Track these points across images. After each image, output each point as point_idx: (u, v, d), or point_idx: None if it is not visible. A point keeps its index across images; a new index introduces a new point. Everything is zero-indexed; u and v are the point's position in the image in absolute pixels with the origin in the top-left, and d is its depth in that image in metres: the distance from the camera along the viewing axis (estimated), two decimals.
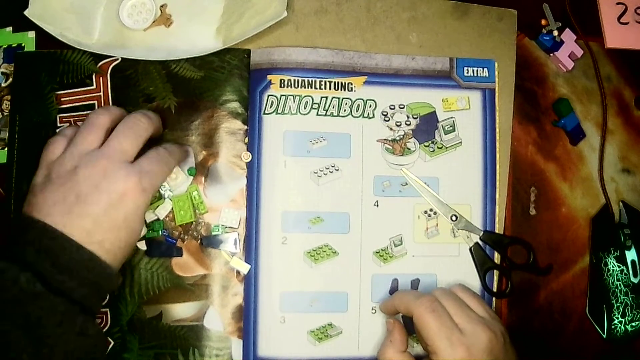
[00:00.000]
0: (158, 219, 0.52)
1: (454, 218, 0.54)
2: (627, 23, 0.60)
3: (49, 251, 0.41)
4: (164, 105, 0.54)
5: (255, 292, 0.52)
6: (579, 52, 0.58)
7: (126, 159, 0.46)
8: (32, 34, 0.56)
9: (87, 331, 0.41)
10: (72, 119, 0.54)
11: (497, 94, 0.56)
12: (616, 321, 0.56)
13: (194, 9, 0.55)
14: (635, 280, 0.57)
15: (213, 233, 0.53)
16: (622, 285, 0.57)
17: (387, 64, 0.56)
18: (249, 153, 0.53)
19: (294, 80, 0.54)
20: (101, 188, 0.44)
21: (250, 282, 0.52)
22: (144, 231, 0.52)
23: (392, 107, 0.55)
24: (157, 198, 0.52)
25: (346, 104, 0.54)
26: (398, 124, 0.55)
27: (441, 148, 0.55)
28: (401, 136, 0.55)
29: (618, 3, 0.61)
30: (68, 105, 0.54)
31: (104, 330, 0.51)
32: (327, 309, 0.53)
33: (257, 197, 0.53)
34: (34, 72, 0.54)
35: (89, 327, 0.42)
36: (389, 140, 0.55)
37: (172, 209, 0.52)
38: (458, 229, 0.55)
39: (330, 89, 0.54)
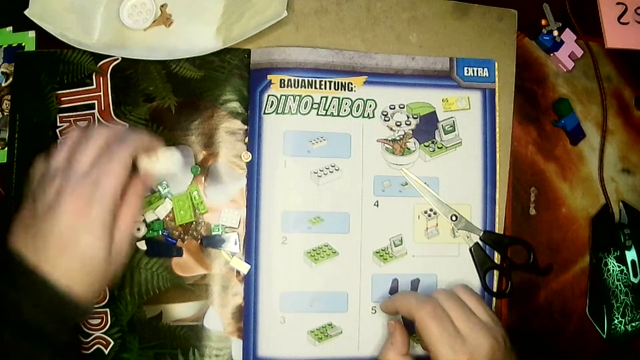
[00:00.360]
0: (158, 219, 0.52)
1: (454, 218, 0.54)
2: (627, 23, 0.60)
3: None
4: (164, 105, 0.54)
5: (255, 292, 0.52)
6: (579, 52, 0.58)
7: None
8: (32, 34, 0.56)
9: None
10: (72, 119, 0.54)
11: (497, 94, 0.56)
12: (616, 321, 0.56)
13: (194, 9, 0.55)
14: (635, 281, 0.57)
15: (213, 233, 0.53)
16: (622, 285, 0.57)
17: (387, 64, 0.56)
18: (249, 153, 0.53)
19: (294, 80, 0.54)
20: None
21: (250, 282, 0.52)
22: (143, 231, 0.52)
23: (392, 107, 0.55)
24: (158, 198, 0.52)
25: (346, 104, 0.54)
26: (398, 124, 0.55)
27: (441, 148, 0.55)
28: (401, 136, 0.55)
29: (618, 3, 0.61)
30: (68, 105, 0.54)
31: (104, 330, 0.51)
32: (327, 309, 0.53)
33: (257, 197, 0.53)
34: (34, 72, 0.54)
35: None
36: (389, 140, 0.55)
37: (172, 209, 0.52)
38: (458, 229, 0.55)
39: (330, 89, 0.54)
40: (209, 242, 0.52)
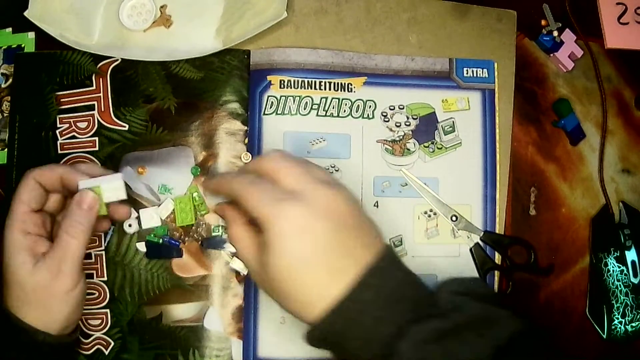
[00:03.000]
0: (161, 225, 0.52)
1: (454, 218, 0.54)
2: (627, 23, 0.60)
3: None
4: (164, 106, 0.54)
5: (255, 292, 0.52)
6: (579, 52, 0.58)
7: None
8: (32, 35, 0.56)
9: None
10: (72, 120, 0.54)
11: (496, 95, 0.56)
12: (616, 321, 0.56)
13: (194, 10, 0.55)
14: (635, 281, 0.57)
15: (213, 234, 0.53)
16: (622, 285, 0.57)
17: (387, 65, 0.56)
18: (248, 154, 0.53)
19: (294, 81, 0.54)
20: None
21: (250, 283, 0.52)
22: (135, 227, 0.52)
23: (391, 107, 0.55)
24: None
25: (346, 104, 0.54)
26: (398, 124, 0.55)
27: (441, 148, 0.55)
28: (401, 137, 0.55)
29: (618, 3, 0.61)
30: (68, 106, 0.54)
31: (104, 331, 0.51)
32: None
33: None
34: (34, 73, 0.54)
35: None
36: (389, 141, 0.55)
37: (174, 210, 0.52)
38: (458, 230, 0.55)
39: (330, 89, 0.54)
40: (210, 243, 0.52)
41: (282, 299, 0.40)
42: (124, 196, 0.45)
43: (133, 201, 0.53)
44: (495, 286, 0.55)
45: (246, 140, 0.54)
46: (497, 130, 0.56)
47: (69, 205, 0.44)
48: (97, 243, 0.52)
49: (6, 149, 0.54)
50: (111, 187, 0.44)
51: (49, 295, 0.43)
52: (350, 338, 0.38)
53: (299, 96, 0.54)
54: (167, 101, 0.54)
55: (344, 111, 0.54)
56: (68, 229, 0.43)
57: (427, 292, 0.42)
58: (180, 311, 0.52)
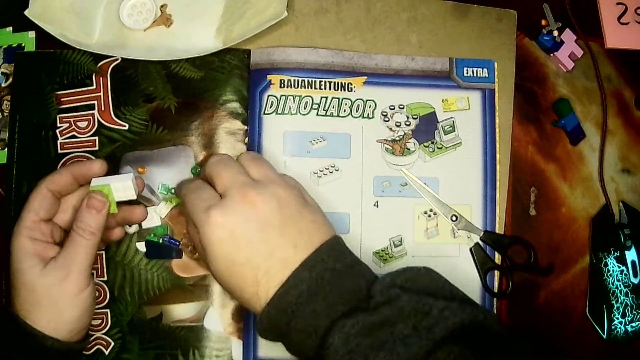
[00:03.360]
0: (161, 225, 0.52)
1: (454, 218, 0.54)
2: (627, 23, 0.60)
3: None
4: (164, 106, 0.54)
5: None
6: (579, 52, 0.58)
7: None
8: (32, 34, 0.56)
9: None
10: (72, 119, 0.54)
11: (496, 95, 0.56)
12: (616, 321, 0.56)
13: (194, 9, 0.55)
14: (635, 281, 0.57)
15: None
16: (622, 285, 0.57)
17: (387, 65, 0.56)
18: None
19: (294, 81, 0.54)
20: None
21: None
22: (135, 227, 0.52)
23: (391, 107, 0.55)
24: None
25: (346, 104, 0.54)
26: (398, 124, 0.55)
27: (441, 148, 0.55)
28: (401, 136, 0.55)
29: (618, 3, 0.61)
30: (68, 106, 0.54)
31: (104, 331, 0.51)
32: None
33: None
34: (34, 72, 0.54)
35: None
36: (389, 141, 0.55)
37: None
38: (458, 229, 0.55)
39: (330, 89, 0.54)
40: None
41: (230, 293, 0.45)
42: (133, 196, 0.46)
43: (133, 201, 0.53)
44: (495, 286, 0.55)
45: (246, 140, 0.54)
46: (497, 130, 0.56)
47: (79, 209, 0.45)
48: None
49: (6, 149, 0.54)
50: (121, 186, 0.45)
51: (59, 297, 0.43)
52: (292, 331, 0.40)
53: (299, 96, 0.54)
54: (167, 100, 0.54)
55: (344, 111, 0.54)
56: (78, 231, 0.44)
57: (367, 285, 0.41)
58: (180, 311, 0.52)
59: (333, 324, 0.38)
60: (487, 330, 0.39)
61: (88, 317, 0.46)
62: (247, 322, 0.52)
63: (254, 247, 0.41)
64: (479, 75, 0.56)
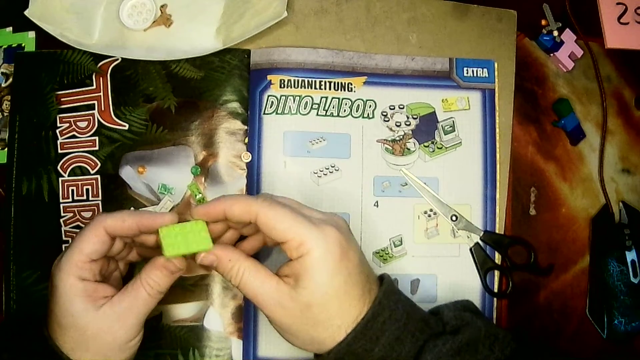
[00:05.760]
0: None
1: (454, 218, 0.54)
2: (627, 23, 0.60)
3: None
4: (164, 106, 0.54)
5: None
6: (579, 52, 0.58)
7: None
8: (32, 34, 0.56)
9: None
10: (72, 119, 0.54)
11: (496, 95, 0.57)
12: (616, 321, 0.56)
13: (194, 9, 0.55)
14: (635, 281, 0.57)
15: None
16: (622, 285, 0.57)
17: (387, 65, 0.56)
18: (249, 153, 0.53)
19: (294, 81, 0.54)
20: None
21: None
22: None
23: (391, 107, 0.55)
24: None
25: (346, 104, 0.54)
26: (398, 124, 0.55)
27: (441, 148, 0.55)
28: (401, 136, 0.55)
29: (618, 3, 0.61)
30: (68, 106, 0.54)
31: None
32: None
33: None
34: (34, 72, 0.54)
35: None
36: (389, 141, 0.55)
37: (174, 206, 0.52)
38: (458, 229, 0.55)
39: (330, 89, 0.54)
40: None
41: (309, 326, 0.41)
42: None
43: (133, 201, 0.53)
44: (495, 286, 0.55)
45: (246, 140, 0.54)
46: (497, 130, 0.56)
47: (153, 263, 0.43)
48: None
49: (6, 149, 0.54)
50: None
51: (109, 342, 0.42)
52: (371, 358, 0.40)
53: (299, 96, 0.54)
54: (167, 101, 0.54)
55: (344, 111, 0.54)
56: (145, 283, 0.42)
57: (429, 312, 0.45)
58: (180, 311, 0.52)
59: (420, 347, 0.41)
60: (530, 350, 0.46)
61: (131, 359, 0.45)
62: (247, 322, 0.52)
63: (359, 270, 0.41)
64: (479, 75, 0.56)
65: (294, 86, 0.54)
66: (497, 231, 0.55)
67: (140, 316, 0.42)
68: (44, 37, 0.54)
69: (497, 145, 0.56)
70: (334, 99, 0.54)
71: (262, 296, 0.41)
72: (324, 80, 0.54)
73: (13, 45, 0.56)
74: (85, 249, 0.42)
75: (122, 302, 0.42)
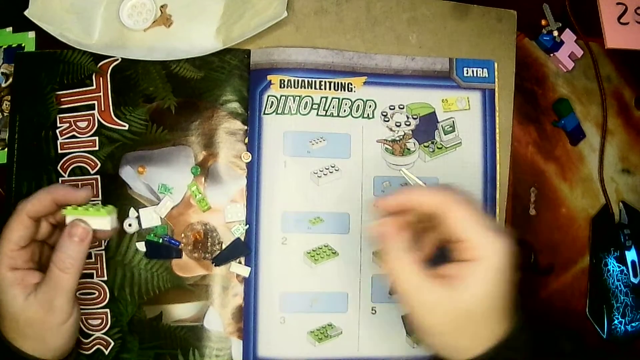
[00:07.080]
0: (162, 224, 0.52)
1: None
2: (627, 23, 0.60)
3: None
4: (164, 106, 0.54)
5: (255, 292, 0.52)
6: (579, 52, 0.58)
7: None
8: (32, 34, 0.56)
9: None
10: (72, 119, 0.54)
11: (496, 95, 0.56)
12: (616, 321, 0.56)
13: (194, 10, 0.55)
14: (635, 281, 0.57)
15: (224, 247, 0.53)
16: (622, 285, 0.57)
17: (387, 65, 0.56)
18: (249, 153, 0.53)
19: (294, 81, 0.54)
20: None
21: (250, 283, 0.52)
22: (135, 227, 0.52)
23: (391, 107, 0.55)
24: (97, 210, 0.47)
25: (346, 104, 0.54)
26: (398, 124, 0.55)
27: (441, 148, 0.55)
28: (401, 136, 0.55)
29: (618, 3, 0.61)
30: (68, 106, 0.54)
31: (104, 331, 0.51)
32: (327, 310, 0.53)
33: (257, 197, 0.53)
34: (34, 72, 0.54)
35: None
36: (389, 141, 0.55)
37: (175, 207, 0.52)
38: None
39: (330, 89, 0.54)
40: (220, 259, 0.52)
41: (459, 332, 0.40)
42: (108, 228, 0.44)
43: (133, 200, 0.53)
44: None
45: (246, 140, 0.54)
46: (497, 130, 0.56)
47: (60, 237, 0.43)
48: (98, 243, 0.52)
49: (6, 149, 0.54)
50: (100, 222, 0.44)
51: (42, 328, 0.43)
52: None
53: (299, 96, 0.54)
54: (167, 101, 0.54)
55: (344, 111, 0.54)
56: (59, 263, 0.42)
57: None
58: (180, 311, 0.52)
59: None
60: None
61: (73, 340, 0.45)
62: (247, 322, 0.52)
63: (508, 288, 0.40)
64: (479, 75, 0.56)
65: (294, 86, 0.54)
66: None
67: (65, 297, 0.42)
68: (44, 37, 0.54)
69: (497, 145, 0.56)
70: (334, 99, 0.54)
71: (415, 291, 0.40)
72: (324, 80, 0.54)
73: (13, 45, 0.56)
74: (12, 237, 0.43)
75: (42, 287, 0.42)
